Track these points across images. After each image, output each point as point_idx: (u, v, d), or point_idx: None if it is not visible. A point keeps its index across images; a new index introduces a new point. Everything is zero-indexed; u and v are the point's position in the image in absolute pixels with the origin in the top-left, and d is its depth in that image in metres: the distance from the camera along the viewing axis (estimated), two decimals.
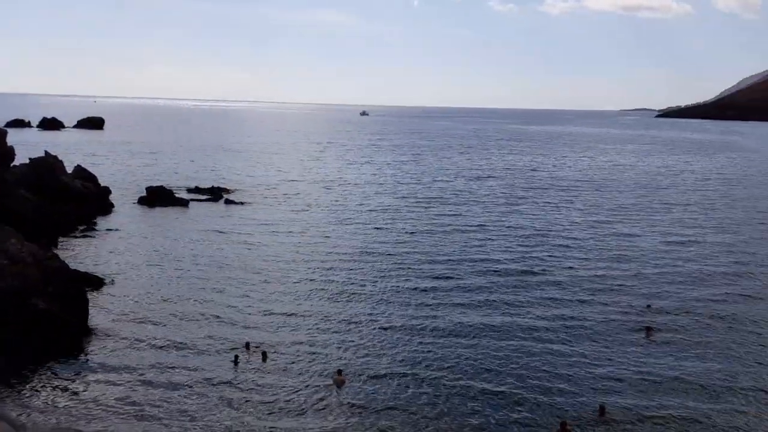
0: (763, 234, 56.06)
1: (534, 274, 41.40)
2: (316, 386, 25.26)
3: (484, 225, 57.87)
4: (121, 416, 22.71)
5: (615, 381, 25.79)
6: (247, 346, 28.84)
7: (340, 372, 26.15)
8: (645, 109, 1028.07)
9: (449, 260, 44.25)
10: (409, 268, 42.37)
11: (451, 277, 40.09)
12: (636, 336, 30.86)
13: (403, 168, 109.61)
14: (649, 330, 31.56)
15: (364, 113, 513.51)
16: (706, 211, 68.70)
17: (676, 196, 79.86)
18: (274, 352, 28.31)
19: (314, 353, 28.34)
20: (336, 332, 30.73)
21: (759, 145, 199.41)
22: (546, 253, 46.94)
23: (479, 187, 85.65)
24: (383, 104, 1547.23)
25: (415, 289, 37.70)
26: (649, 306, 35.28)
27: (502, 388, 24.84)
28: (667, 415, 23.16)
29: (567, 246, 49.80)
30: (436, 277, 40.19)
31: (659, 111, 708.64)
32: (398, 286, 38.07)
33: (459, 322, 32.03)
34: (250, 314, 33.20)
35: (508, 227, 56.95)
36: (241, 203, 68.09)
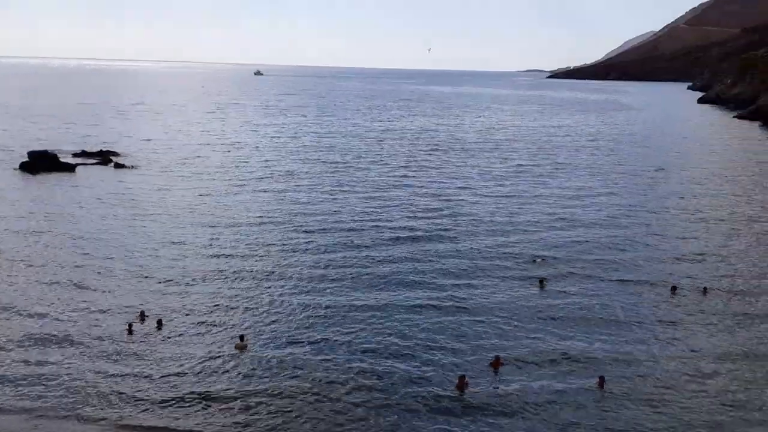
0: (647, 197, 58.74)
1: (432, 239, 41.44)
2: (215, 353, 24.78)
3: (385, 188, 57.92)
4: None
5: (511, 340, 26.54)
6: (142, 315, 27.94)
7: (242, 338, 25.76)
8: (537, 70, 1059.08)
9: (349, 229, 43.53)
10: (309, 235, 41.79)
11: (351, 247, 39.39)
12: (530, 302, 31.19)
13: (303, 130, 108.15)
14: (542, 282, 33.13)
15: (258, 73, 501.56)
16: (594, 171, 71.67)
17: (568, 156, 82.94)
18: (170, 321, 27.51)
19: (212, 323, 27.67)
20: (233, 307, 29.57)
21: (641, 104, 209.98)
22: (444, 217, 47.43)
23: (380, 149, 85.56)
24: (277, 64, 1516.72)
25: (318, 261, 36.48)
26: (535, 260, 36.98)
27: (404, 365, 24.19)
28: (559, 377, 24.19)
29: (464, 208, 50.74)
30: (336, 245, 39.66)
31: (550, 72, 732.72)
32: (298, 259, 36.98)
33: (358, 294, 31.41)
34: (143, 287, 31.94)
35: (408, 191, 57.18)
36: (132, 167, 65.32)
